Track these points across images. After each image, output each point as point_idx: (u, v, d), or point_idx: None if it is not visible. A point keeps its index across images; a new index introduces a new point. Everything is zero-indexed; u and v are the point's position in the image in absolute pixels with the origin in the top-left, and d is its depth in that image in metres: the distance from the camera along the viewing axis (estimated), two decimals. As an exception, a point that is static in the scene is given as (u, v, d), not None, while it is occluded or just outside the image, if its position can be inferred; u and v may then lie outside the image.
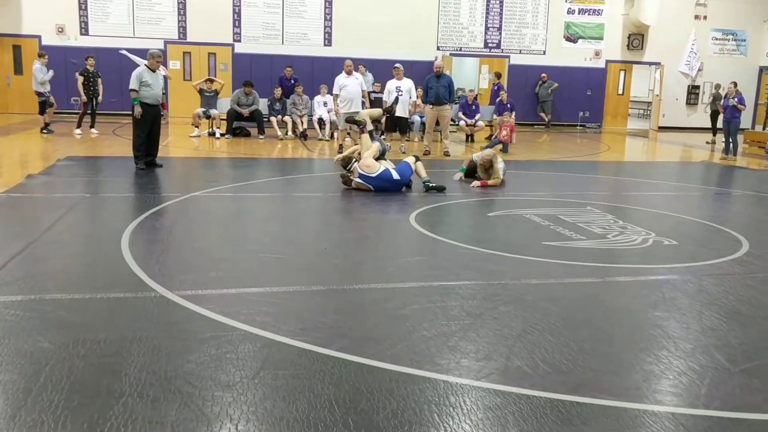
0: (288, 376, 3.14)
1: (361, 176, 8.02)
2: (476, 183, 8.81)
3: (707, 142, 16.83)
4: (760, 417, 2.95)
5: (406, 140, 14.12)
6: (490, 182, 8.85)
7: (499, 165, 9.00)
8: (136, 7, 17.38)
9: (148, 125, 9.38)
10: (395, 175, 8.04)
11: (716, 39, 20.66)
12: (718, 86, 17.22)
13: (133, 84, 9.18)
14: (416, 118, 14.74)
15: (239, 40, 17.92)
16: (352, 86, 11.80)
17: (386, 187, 8.01)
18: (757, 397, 3.14)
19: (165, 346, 3.44)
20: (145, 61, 9.61)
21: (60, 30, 17.05)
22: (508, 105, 15.14)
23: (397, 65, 12.42)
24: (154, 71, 9.41)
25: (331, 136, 14.35)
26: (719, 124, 15.52)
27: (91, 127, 13.67)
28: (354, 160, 8.20)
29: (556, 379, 3.23)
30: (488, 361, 3.39)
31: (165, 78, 14.14)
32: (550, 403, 2.97)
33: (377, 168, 7.98)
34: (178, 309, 3.99)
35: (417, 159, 8.60)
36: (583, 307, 4.35)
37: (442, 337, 3.68)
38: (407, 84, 12.16)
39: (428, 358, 3.40)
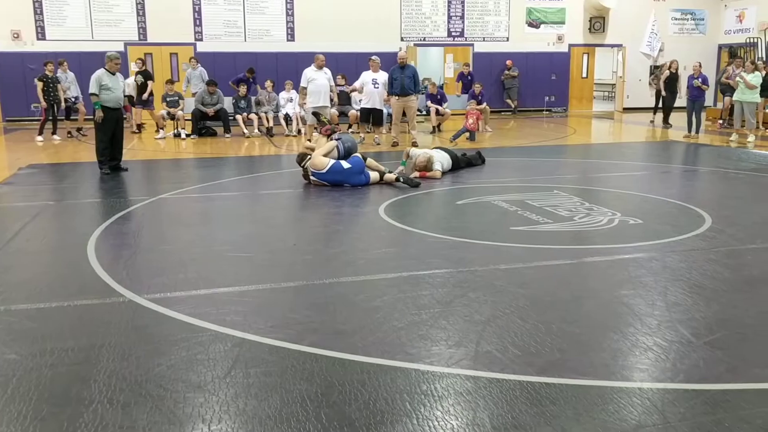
0: (259, 374, 3.14)
1: (313, 174, 8.06)
2: (416, 174, 8.69)
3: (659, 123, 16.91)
4: (722, 387, 3.02)
5: (381, 132, 14.11)
6: (428, 174, 8.75)
7: (436, 165, 8.86)
8: (93, 9, 17.09)
9: (111, 129, 9.26)
10: (345, 165, 8.01)
11: (675, 19, 20.95)
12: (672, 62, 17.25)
13: (92, 88, 9.04)
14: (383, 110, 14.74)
15: (201, 39, 17.74)
16: (320, 80, 11.76)
17: (342, 180, 7.98)
18: (720, 367, 3.22)
19: (134, 350, 3.42)
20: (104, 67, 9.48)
21: (16, 36, 16.71)
22: (478, 94, 15.24)
23: (373, 57, 12.39)
24: (113, 74, 9.26)
25: (299, 132, 14.31)
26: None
27: (53, 133, 13.45)
28: (308, 157, 8.19)
29: (525, 361, 3.28)
30: (458, 348, 3.43)
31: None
32: (520, 385, 3.02)
33: (326, 163, 7.97)
34: (147, 313, 3.97)
35: (363, 158, 8.36)
36: (551, 290, 4.41)
37: (412, 327, 3.71)
38: (383, 76, 12.15)
39: (399, 348, 3.43)
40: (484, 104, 15.31)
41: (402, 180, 8.03)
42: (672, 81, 15.83)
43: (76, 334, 3.65)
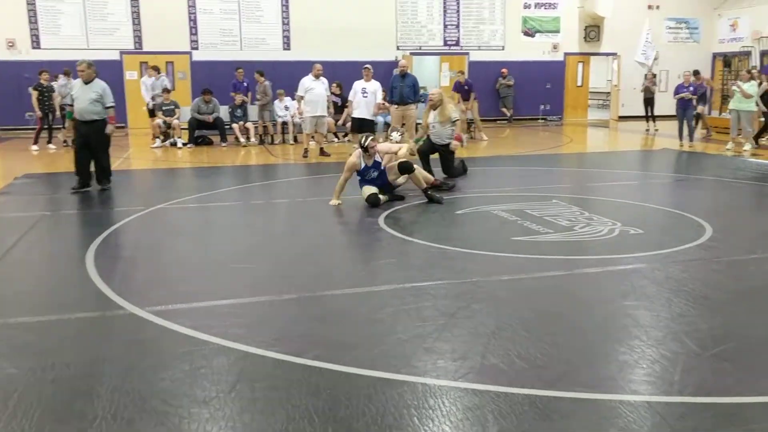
0: (265, 388, 3.11)
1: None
2: (455, 143, 9.20)
3: (646, 130, 16.96)
4: (732, 400, 3.00)
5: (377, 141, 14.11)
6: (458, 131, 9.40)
7: (451, 106, 9.45)
8: (88, 18, 17.03)
9: (80, 143, 8.62)
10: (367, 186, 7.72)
11: (670, 28, 21.03)
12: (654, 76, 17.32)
13: (67, 98, 8.89)
14: (379, 119, 14.73)
15: (197, 48, 17.70)
16: (318, 89, 11.80)
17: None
18: (728, 380, 3.20)
19: (137, 364, 3.38)
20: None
21: (10, 44, 16.64)
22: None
23: (366, 66, 12.34)
24: (87, 83, 8.48)
25: (294, 140, 14.31)
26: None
27: (49, 142, 13.39)
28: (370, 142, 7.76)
29: (532, 374, 3.25)
30: (464, 361, 3.40)
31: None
32: (528, 399, 2.99)
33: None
34: (149, 326, 3.93)
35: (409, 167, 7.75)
36: (554, 301, 4.39)
37: (417, 339, 3.67)
38: (373, 85, 12.12)
39: (405, 361, 3.40)
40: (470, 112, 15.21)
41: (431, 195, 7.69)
42: None
43: (77, 348, 3.61)
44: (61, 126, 13.78)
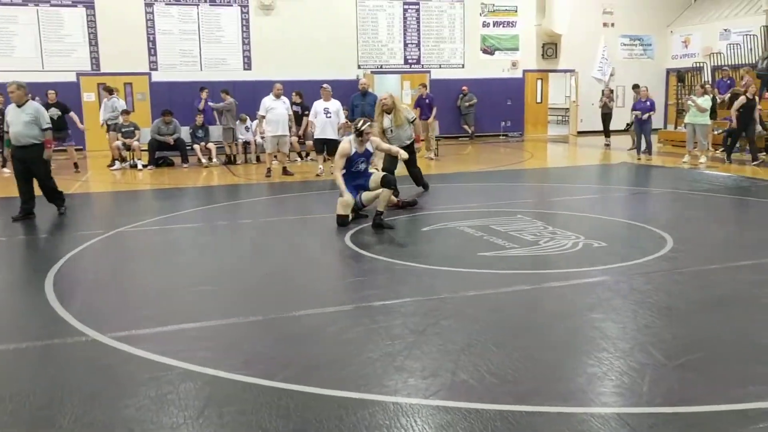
0: (233, 413, 3.05)
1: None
2: (417, 145, 9.30)
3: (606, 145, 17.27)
4: (698, 409, 3.04)
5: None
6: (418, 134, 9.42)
7: (404, 107, 9.51)
8: (43, 39, 16.74)
9: (18, 170, 8.21)
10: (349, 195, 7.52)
11: (624, 45, 21.55)
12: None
13: (5, 124, 8.51)
14: (345, 138, 14.69)
15: (156, 69, 17.54)
16: (279, 109, 11.78)
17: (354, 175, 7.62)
18: (694, 390, 3.24)
19: (101, 392, 3.28)
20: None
21: (-37, 67, 16.27)
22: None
23: (324, 85, 12.28)
24: (19, 106, 8.05)
25: (257, 159, 14.24)
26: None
27: (3, 166, 13.07)
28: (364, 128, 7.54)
29: (502, 389, 3.25)
30: (435, 378, 3.39)
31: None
32: (500, 415, 2.98)
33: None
34: (112, 352, 3.83)
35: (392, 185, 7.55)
36: (522, 315, 4.41)
37: (387, 358, 3.65)
38: (335, 105, 12.09)
39: (375, 380, 3.37)
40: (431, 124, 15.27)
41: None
42: (749, 110, 12.66)
43: (37, 377, 3.50)
44: None
